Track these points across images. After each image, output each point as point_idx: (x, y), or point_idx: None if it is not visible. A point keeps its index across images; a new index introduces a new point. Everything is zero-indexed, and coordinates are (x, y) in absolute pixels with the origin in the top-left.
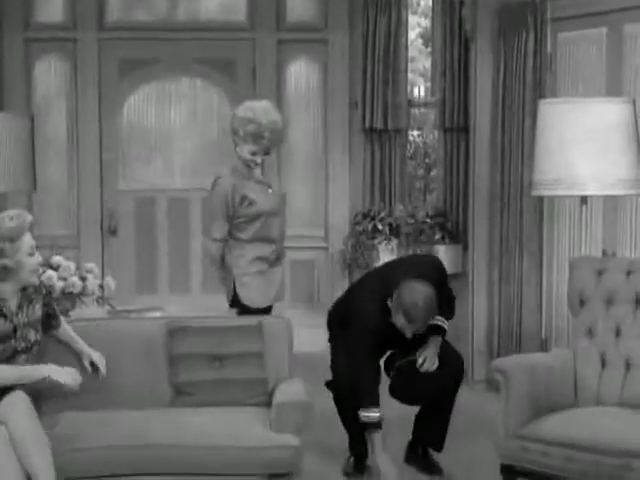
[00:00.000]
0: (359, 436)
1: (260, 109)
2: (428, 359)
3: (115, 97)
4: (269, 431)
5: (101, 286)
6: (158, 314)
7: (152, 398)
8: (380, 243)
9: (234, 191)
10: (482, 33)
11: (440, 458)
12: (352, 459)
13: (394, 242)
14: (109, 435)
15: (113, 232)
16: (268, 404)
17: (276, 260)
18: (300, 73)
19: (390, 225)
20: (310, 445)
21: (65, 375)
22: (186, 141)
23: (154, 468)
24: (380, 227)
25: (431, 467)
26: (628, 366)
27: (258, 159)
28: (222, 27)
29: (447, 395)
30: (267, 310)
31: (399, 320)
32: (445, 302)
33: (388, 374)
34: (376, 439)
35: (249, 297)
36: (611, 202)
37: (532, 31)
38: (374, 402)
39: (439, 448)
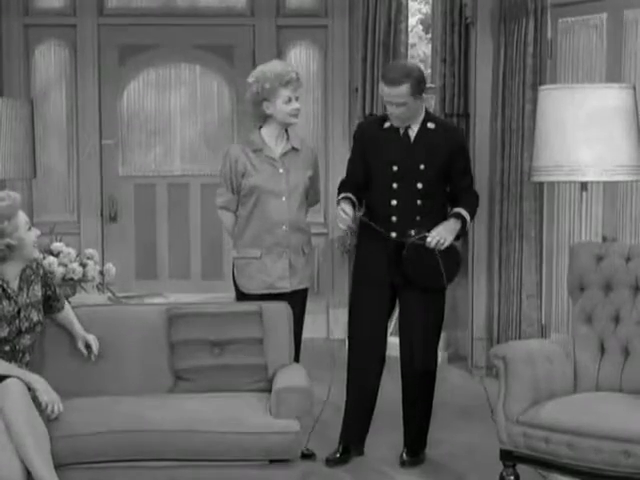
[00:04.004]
0: (355, 414)
1: (273, 61)
2: (437, 235)
3: (115, 83)
4: (269, 417)
5: (101, 272)
6: (158, 300)
7: (152, 384)
8: None
9: (236, 161)
10: (482, 19)
11: (441, 445)
12: (340, 448)
13: None
14: (109, 421)
15: (113, 218)
16: (268, 390)
17: (276, 246)
18: (300, 59)
19: None
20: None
21: (49, 399)
22: (186, 127)
23: (154, 454)
24: None
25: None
26: (627, 352)
27: (296, 104)
28: (222, 13)
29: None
30: (271, 297)
31: (381, 90)
32: (466, 193)
33: None
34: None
35: (241, 282)
36: (611, 188)
37: (532, 17)
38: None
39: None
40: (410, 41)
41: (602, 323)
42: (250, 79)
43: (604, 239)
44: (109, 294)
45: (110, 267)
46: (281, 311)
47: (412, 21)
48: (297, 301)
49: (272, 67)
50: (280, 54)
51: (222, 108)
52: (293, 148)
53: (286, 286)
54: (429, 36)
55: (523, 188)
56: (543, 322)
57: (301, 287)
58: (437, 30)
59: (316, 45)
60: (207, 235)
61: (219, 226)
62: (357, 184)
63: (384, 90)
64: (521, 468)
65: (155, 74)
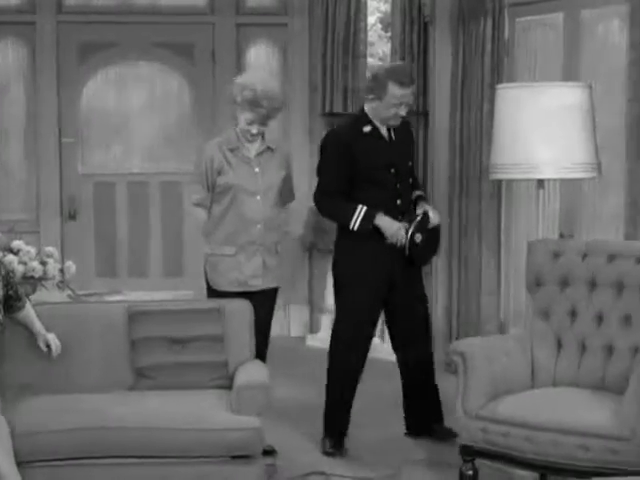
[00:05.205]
0: (341, 408)
1: (257, 77)
2: (435, 215)
3: (74, 81)
4: (230, 413)
5: (61, 270)
6: (118, 298)
7: (113, 382)
8: None
9: (212, 159)
10: (441, 18)
11: (399, 439)
12: (328, 439)
13: None
14: (71, 418)
15: (72, 217)
16: (229, 387)
17: (250, 245)
18: (260, 57)
19: None
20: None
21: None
22: (145, 125)
23: (115, 451)
24: None
25: (449, 433)
26: (583, 347)
27: (254, 129)
28: (181, 11)
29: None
30: (243, 294)
31: (391, 92)
32: (416, 179)
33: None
34: (378, 217)
35: (213, 279)
36: (568, 185)
37: (490, 16)
38: (352, 211)
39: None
40: (369, 40)
41: (559, 319)
42: (236, 81)
43: (561, 236)
44: (69, 292)
45: (70, 265)
46: (241, 308)
47: (371, 20)
48: (267, 300)
49: (254, 83)
50: (240, 52)
51: (182, 106)
52: (268, 148)
53: (259, 284)
54: (388, 34)
55: (482, 186)
56: (502, 318)
57: (272, 286)
58: (396, 29)
59: (276, 43)
60: (167, 233)
61: (179, 224)
62: (344, 192)
63: (397, 92)
64: (480, 463)
65: (115, 72)
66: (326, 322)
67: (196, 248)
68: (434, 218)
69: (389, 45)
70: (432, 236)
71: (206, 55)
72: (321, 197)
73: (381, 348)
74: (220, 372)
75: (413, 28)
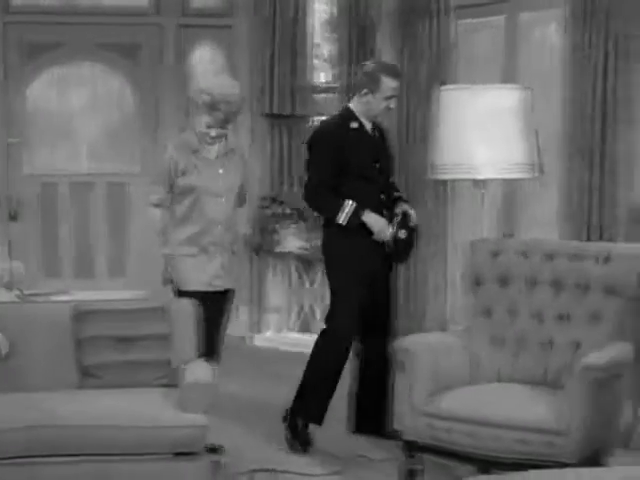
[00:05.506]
0: (327, 397)
1: (216, 81)
2: (412, 210)
3: (19, 81)
4: (175, 411)
5: (9, 270)
6: (65, 298)
7: (60, 381)
8: (288, 227)
9: (176, 161)
10: (386, 20)
11: (346, 436)
12: (293, 433)
13: (302, 226)
14: (17, 417)
15: (13, 217)
16: (174, 385)
17: (212, 245)
18: (205, 58)
19: (298, 210)
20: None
21: None
22: (90, 126)
23: (61, 449)
24: (288, 211)
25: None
26: (521, 344)
27: (212, 132)
28: (126, 12)
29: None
30: (215, 296)
31: (387, 86)
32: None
33: None
34: (366, 213)
35: (178, 279)
36: (509, 186)
37: (434, 18)
38: (341, 206)
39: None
40: (316, 41)
41: (498, 316)
42: (196, 85)
43: (502, 235)
44: (17, 292)
45: (19, 265)
46: (186, 307)
47: (317, 21)
48: (228, 300)
49: (212, 87)
50: (185, 54)
51: (126, 107)
52: (232, 149)
53: (221, 284)
54: (334, 36)
55: (427, 186)
56: (447, 316)
57: (230, 287)
58: (342, 30)
59: (221, 44)
60: (113, 234)
61: (124, 224)
62: (333, 187)
63: (392, 85)
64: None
65: (60, 73)
66: (272, 322)
67: (141, 249)
68: (414, 217)
69: (334, 47)
70: (410, 235)
71: (151, 56)
72: (311, 191)
73: None
74: (166, 371)
75: (359, 29)
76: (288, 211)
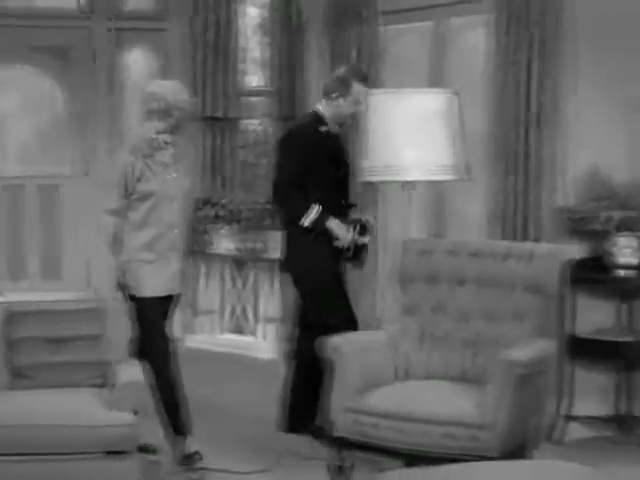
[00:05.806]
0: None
1: (168, 86)
2: (368, 217)
3: None
4: (106, 410)
5: None
6: None
7: None
8: (222, 229)
9: (133, 166)
10: (315, 24)
11: (275, 435)
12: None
13: (235, 227)
14: None
15: None
16: (106, 385)
17: (169, 250)
18: (138, 62)
19: (231, 211)
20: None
21: None
22: (21, 129)
23: None
24: (222, 213)
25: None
26: (448, 341)
27: (165, 138)
28: (58, 14)
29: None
30: (166, 300)
31: (358, 91)
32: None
33: None
34: (330, 219)
35: (135, 286)
36: (437, 188)
37: (363, 23)
38: (307, 208)
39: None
40: (249, 45)
41: (426, 314)
42: (147, 90)
43: (431, 236)
44: None
45: None
46: (118, 308)
47: (249, 25)
48: (173, 304)
49: (164, 93)
50: (118, 57)
51: (58, 110)
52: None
53: (177, 289)
54: (266, 40)
55: (358, 188)
56: (379, 315)
57: (180, 291)
58: (274, 34)
59: (155, 48)
60: (45, 236)
61: (57, 227)
62: (300, 187)
63: (360, 89)
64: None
65: None
66: (202, 324)
67: (75, 251)
68: (372, 224)
69: (265, 50)
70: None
71: (83, 59)
72: (281, 190)
73: (257, 346)
74: (98, 371)
75: (290, 33)
76: (221, 213)
